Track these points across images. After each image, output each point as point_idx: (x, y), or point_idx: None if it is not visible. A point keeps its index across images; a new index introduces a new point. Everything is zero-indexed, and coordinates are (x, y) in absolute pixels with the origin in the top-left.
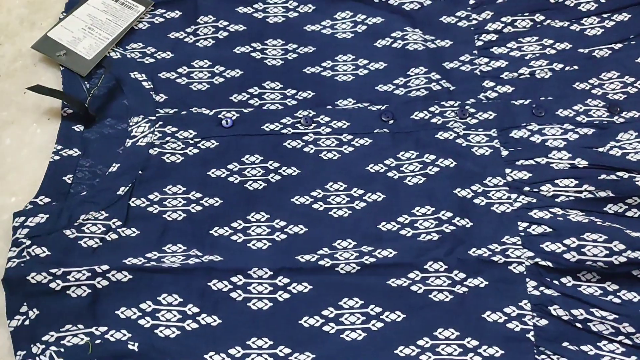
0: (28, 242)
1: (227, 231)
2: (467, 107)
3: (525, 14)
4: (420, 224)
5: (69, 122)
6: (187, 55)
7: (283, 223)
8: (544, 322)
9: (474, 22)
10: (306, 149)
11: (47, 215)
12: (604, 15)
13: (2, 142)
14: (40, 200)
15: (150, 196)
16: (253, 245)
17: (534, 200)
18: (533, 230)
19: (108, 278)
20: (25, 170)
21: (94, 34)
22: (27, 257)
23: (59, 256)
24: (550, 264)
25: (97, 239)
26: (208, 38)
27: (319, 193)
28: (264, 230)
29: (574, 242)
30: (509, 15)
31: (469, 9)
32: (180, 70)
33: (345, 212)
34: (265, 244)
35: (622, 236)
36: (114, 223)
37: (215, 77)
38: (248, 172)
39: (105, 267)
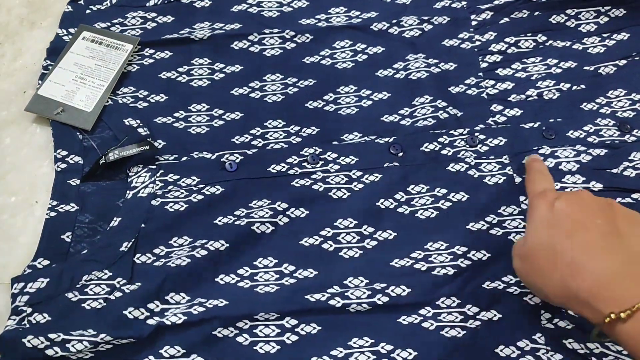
0: (29, 310)
1: (233, 279)
2: (476, 134)
3: (528, 35)
4: (435, 259)
5: (63, 177)
6: (183, 98)
7: (292, 267)
8: (558, 356)
9: (478, 43)
10: (315, 187)
11: (48, 279)
12: (604, 35)
13: (2, 141)
14: (39, 263)
15: (156, 250)
16: (260, 289)
17: None
18: None
19: (109, 341)
20: (25, 170)
21: (87, 84)
22: (28, 326)
23: (60, 321)
24: None
25: (101, 299)
26: (203, 79)
27: (329, 232)
28: (272, 276)
29: None
30: (513, 36)
31: (471, 30)
32: (176, 114)
33: (356, 252)
34: (273, 288)
35: None
36: (118, 282)
37: (214, 120)
38: (255, 213)
39: (107, 338)
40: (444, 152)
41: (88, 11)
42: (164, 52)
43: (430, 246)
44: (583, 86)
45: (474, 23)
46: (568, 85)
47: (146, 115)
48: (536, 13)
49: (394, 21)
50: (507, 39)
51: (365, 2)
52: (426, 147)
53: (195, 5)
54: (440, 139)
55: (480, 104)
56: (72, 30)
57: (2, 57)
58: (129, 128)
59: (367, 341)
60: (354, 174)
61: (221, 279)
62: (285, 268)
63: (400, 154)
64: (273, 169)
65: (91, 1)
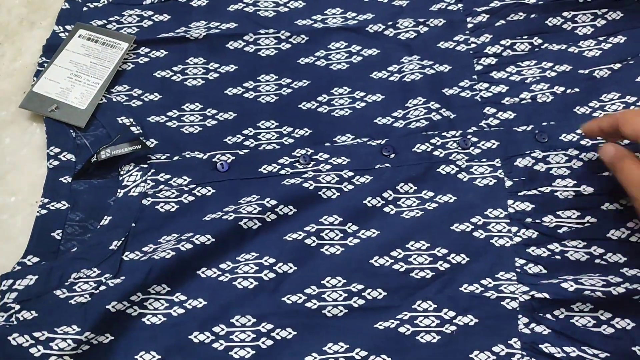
0: (17, 307)
1: (214, 272)
2: (469, 137)
3: (524, 37)
4: (415, 259)
5: (55, 174)
6: (176, 97)
7: (272, 260)
8: None
9: (473, 45)
10: (305, 185)
11: (37, 277)
12: (600, 38)
13: (2, 141)
14: (29, 260)
15: (145, 248)
16: (239, 284)
17: (534, 235)
18: (529, 268)
19: (90, 343)
20: (25, 169)
21: (82, 81)
22: (15, 323)
23: (46, 318)
24: (547, 296)
25: (87, 295)
26: (197, 78)
27: (312, 227)
28: (252, 269)
29: (570, 277)
30: (508, 38)
31: (467, 32)
32: (170, 113)
33: (338, 249)
34: (252, 283)
35: (618, 273)
36: (105, 278)
37: (207, 120)
38: (244, 209)
39: (91, 335)
40: (435, 153)
41: (85, 8)
42: (160, 51)
43: (412, 245)
44: (577, 89)
45: (469, 25)
46: (562, 89)
47: (140, 114)
48: (532, 15)
49: (390, 23)
50: (502, 42)
51: (361, 3)
52: (418, 148)
53: (191, 4)
54: (433, 141)
55: (473, 107)
56: (68, 27)
57: (2, 57)
58: (122, 126)
59: (342, 346)
60: (345, 173)
61: (202, 272)
62: (266, 260)
63: (392, 156)
64: (264, 169)
65: None
